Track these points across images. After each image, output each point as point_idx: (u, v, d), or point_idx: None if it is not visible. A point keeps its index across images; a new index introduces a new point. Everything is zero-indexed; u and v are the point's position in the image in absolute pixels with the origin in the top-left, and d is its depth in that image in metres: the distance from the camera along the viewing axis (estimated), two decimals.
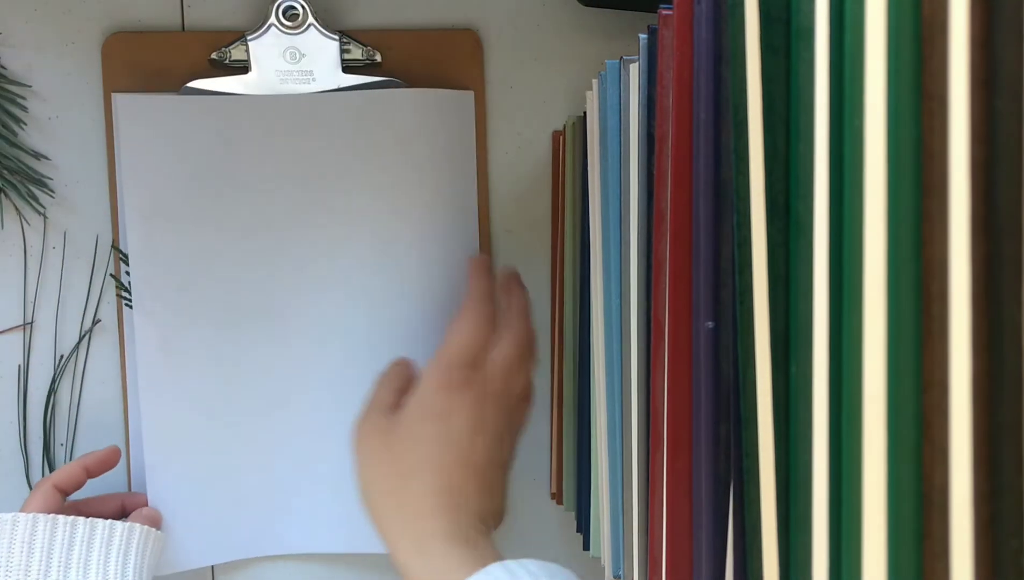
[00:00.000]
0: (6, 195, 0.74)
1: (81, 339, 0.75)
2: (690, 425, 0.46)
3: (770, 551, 0.39)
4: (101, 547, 0.68)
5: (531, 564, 0.57)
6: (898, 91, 0.31)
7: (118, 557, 0.68)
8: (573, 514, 0.73)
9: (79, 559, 0.67)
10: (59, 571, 0.66)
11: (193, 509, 0.75)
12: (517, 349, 0.68)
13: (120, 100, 0.73)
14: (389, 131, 0.75)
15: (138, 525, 0.70)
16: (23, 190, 0.74)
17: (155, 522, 0.73)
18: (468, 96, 0.77)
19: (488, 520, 0.64)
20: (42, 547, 0.66)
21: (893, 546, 0.31)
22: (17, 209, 0.74)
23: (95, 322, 0.75)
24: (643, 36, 0.51)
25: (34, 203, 0.74)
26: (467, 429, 0.64)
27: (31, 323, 0.75)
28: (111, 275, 0.75)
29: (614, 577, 0.59)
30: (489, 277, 0.70)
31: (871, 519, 0.32)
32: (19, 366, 0.75)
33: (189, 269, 0.74)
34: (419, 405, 0.65)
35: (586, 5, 0.76)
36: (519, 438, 0.70)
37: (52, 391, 0.76)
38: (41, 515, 0.67)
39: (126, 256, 0.74)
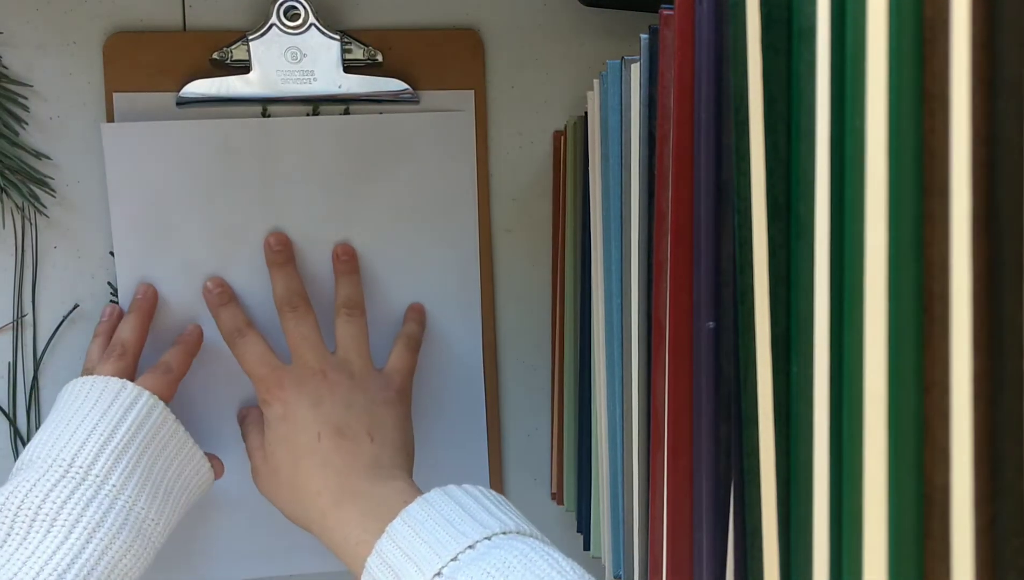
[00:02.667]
0: (7, 194, 0.74)
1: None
2: (691, 425, 0.46)
3: (771, 551, 0.39)
4: (173, 454, 0.67)
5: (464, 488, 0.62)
6: (899, 91, 0.31)
7: (176, 470, 0.67)
8: (573, 514, 0.73)
9: (145, 451, 0.65)
10: (134, 457, 0.64)
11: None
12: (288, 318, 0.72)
13: (107, 129, 0.73)
14: (388, 151, 0.75)
15: (207, 463, 0.70)
16: (24, 190, 0.74)
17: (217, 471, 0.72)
18: (465, 116, 0.77)
19: (386, 460, 0.68)
20: (131, 419, 0.65)
21: (894, 546, 0.31)
22: (18, 208, 0.74)
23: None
24: (644, 36, 0.51)
25: (35, 203, 0.74)
26: (306, 414, 0.68)
27: (32, 321, 0.75)
28: (109, 283, 0.75)
29: (615, 577, 0.59)
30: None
31: (872, 519, 0.32)
32: (8, 364, 0.75)
33: (178, 285, 0.74)
34: (268, 426, 0.70)
35: (587, 5, 0.76)
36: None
37: (35, 387, 0.76)
38: (145, 391, 0.66)
39: None
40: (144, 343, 0.72)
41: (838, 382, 0.34)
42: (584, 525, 0.69)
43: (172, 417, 0.67)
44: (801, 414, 0.36)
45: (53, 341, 0.75)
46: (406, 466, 0.69)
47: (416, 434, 0.75)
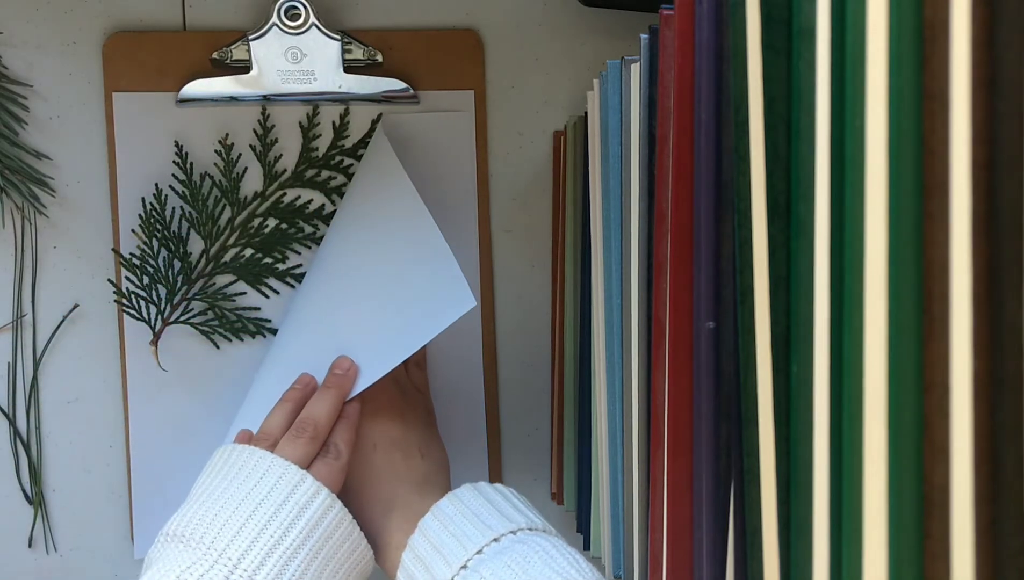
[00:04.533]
0: (7, 194, 0.74)
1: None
2: (691, 425, 0.46)
3: (771, 551, 0.39)
4: (332, 555, 0.62)
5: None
6: (899, 91, 0.31)
7: (346, 571, 0.63)
8: (573, 514, 0.73)
9: (316, 556, 0.61)
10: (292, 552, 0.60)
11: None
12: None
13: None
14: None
15: (371, 551, 0.65)
16: (24, 189, 0.74)
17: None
18: (465, 116, 0.77)
19: (434, 477, 0.69)
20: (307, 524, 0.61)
21: (894, 546, 0.31)
22: (18, 208, 0.74)
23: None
24: (644, 36, 0.51)
25: (35, 203, 0.74)
26: (363, 423, 0.69)
27: (31, 321, 0.75)
28: (109, 280, 0.75)
29: (615, 577, 0.60)
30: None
31: (872, 519, 0.32)
32: (8, 364, 0.75)
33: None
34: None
35: (587, 5, 0.76)
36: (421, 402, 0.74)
37: (35, 387, 0.76)
38: (327, 491, 0.62)
39: (127, 260, 0.74)
40: (335, 423, 0.68)
41: (838, 382, 0.34)
42: (584, 525, 0.69)
43: (348, 517, 0.63)
44: (801, 414, 0.36)
45: (53, 341, 0.75)
46: (448, 484, 0.70)
47: None
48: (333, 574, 0.62)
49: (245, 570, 0.58)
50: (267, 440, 0.66)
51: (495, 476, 0.79)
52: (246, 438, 0.68)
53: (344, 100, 0.76)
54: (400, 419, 0.70)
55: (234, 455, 0.64)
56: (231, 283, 0.76)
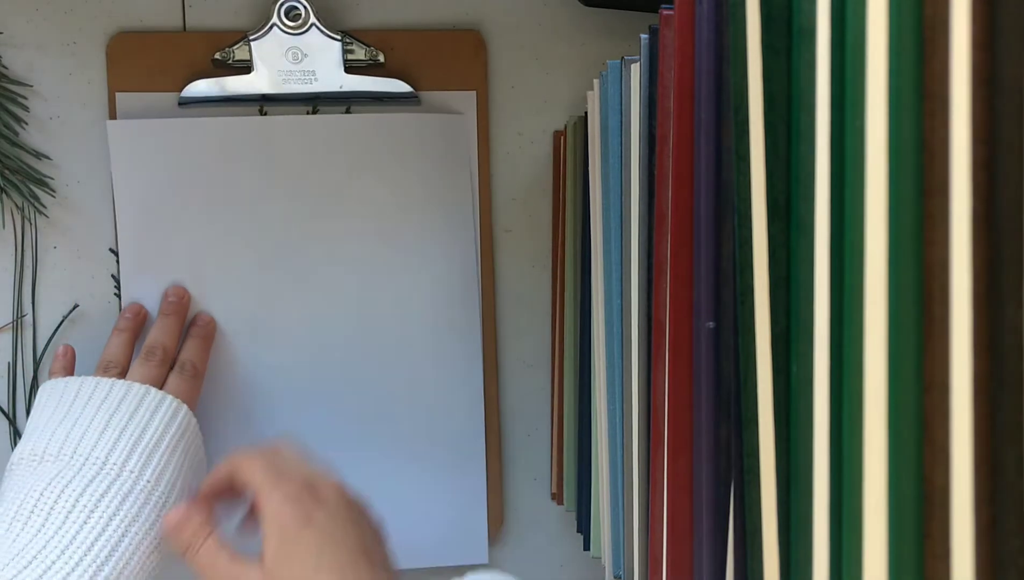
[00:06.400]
0: (7, 194, 0.74)
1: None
2: (691, 425, 0.46)
3: (771, 551, 0.39)
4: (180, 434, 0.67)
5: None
6: (899, 91, 0.31)
7: (198, 475, 0.68)
8: (573, 514, 0.73)
9: (175, 451, 0.66)
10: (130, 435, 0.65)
11: None
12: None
13: (113, 126, 0.73)
14: (388, 151, 0.75)
15: (203, 451, 0.69)
16: (24, 189, 0.74)
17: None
18: (465, 118, 0.77)
19: None
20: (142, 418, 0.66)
21: (894, 546, 0.31)
22: (18, 208, 0.74)
23: None
24: (644, 36, 0.51)
25: (35, 203, 0.74)
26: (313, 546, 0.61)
27: (31, 321, 0.75)
28: (112, 275, 0.75)
29: (615, 577, 0.60)
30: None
31: (872, 519, 0.32)
32: (8, 364, 0.75)
33: (179, 281, 0.74)
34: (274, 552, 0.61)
35: (588, 5, 0.76)
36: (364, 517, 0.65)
37: (35, 387, 0.76)
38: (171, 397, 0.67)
39: None
40: (189, 341, 0.73)
41: (838, 382, 0.34)
42: (584, 525, 0.69)
43: (194, 420, 0.68)
44: (801, 415, 0.36)
45: (53, 341, 0.75)
46: None
47: (415, 434, 0.76)
48: (187, 471, 0.67)
49: (114, 465, 0.63)
50: (116, 367, 0.70)
51: (495, 476, 0.79)
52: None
53: (345, 100, 0.76)
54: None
55: (72, 386, 0.67)
56: None
